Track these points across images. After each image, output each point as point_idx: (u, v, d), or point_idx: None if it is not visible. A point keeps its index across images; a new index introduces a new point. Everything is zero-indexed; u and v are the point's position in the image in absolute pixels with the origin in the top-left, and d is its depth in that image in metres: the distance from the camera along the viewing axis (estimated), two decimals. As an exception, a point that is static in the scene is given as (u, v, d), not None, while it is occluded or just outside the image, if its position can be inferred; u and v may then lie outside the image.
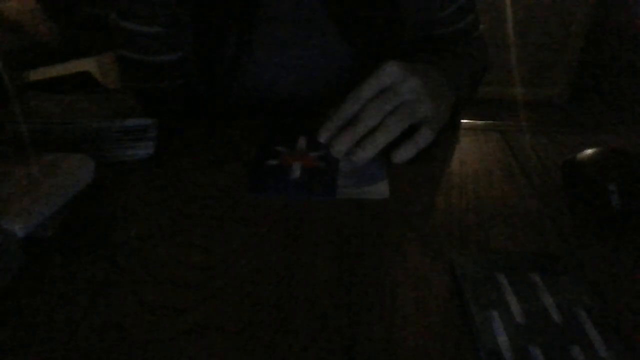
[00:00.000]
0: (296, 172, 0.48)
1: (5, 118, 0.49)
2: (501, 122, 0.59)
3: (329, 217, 0.42)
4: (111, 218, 0.42)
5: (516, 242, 0.40)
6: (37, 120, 0.49)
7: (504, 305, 0.33)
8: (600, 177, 0.43)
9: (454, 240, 0.40)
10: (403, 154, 0.47)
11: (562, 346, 0.30)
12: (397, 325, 0.32)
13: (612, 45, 2.26)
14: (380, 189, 0.46)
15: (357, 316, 0.33)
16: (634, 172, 0.42)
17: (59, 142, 0.48)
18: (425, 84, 0.48)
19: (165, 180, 0.47)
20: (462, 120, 0.60)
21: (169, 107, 0.64)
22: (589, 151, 0.45)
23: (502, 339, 0.31)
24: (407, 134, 0.47)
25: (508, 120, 0.60)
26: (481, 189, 0.46)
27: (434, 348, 0.31)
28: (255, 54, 0.62)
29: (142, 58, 0.59)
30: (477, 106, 0.68)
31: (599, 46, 2.33)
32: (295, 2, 0.60)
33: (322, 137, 0.47)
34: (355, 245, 0.39)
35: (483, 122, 0.59)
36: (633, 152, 0.44)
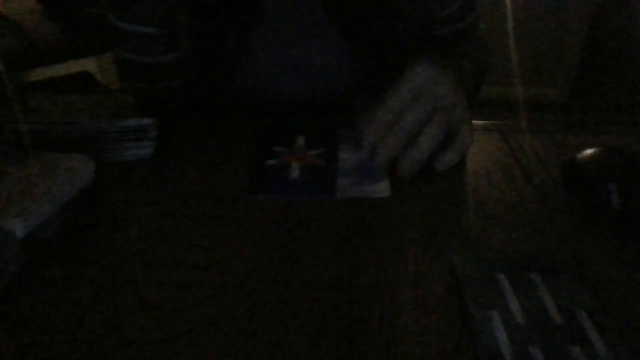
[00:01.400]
0: (295, 171, 0.48)
1: (5, 118, 0.49)
2: (501, 122, 0.59)
3: (329, 217, 0.42)
4: (111, 218, 0.42)
5: (516, 242, 0.40)
6: (37, 120, 0.49)
7: (504, 305, 0.33)
8: (600, 177, 0.43)
9: (454, 240, 0.40)
10: (446, 160, 0.46)
11: (562, 346, 0.30)
12: (397, 326, 0.32)
13: (612, 45, 2.26)
14: (381, 188, 0.46)
15: (357, 316, 0.33)
16: (634, 172, 0.42)
17: (59, 142, 0.48)
18: (452, 87, 0.47)
19: (165, 180, 0.47)
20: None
21: (168, 107, 0.64)
22: (589, 151, 0.45)
23: (502, 339, 0.31)
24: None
25: (508, 120, 0.60)
26: (481, 189, 0.46)
27: (434, 348, 0.31)
28: (254, 54, 0.62)
29: (140, 59, 0.58)
30: (477, 106, 0.68)
31: (599, 46, 2.33)
32: (294, 2, 0.60)
33: (368, 140, 0.46)
34: (355, 245, 0.39)
35: (483, 122, 0.59)
36: (633, 152, 0.44)
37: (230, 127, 0.57)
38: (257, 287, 0.35)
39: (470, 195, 0.45)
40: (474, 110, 0.60)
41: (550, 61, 2.43)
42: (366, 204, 0.44)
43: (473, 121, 0.49)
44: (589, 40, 2.34)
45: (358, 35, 0.61)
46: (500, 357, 0.30)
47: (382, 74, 0.65)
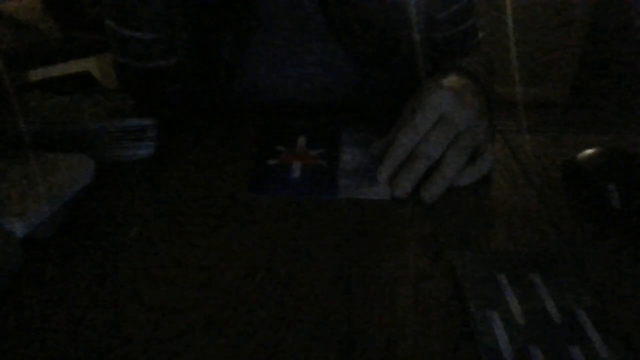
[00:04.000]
0: (296, 171, 0.48)
1: (5, 118, 0.49)
2: (501, 122, 0.59)
3: (329, 217, 0.42)
4: (111, 218, 0.42)
5: (516, 242, 0.40)
6: (37, 120, 0.49)
7: (504, 305, 0.33)
8: (600, 177, 0.43)
9: (454, 240, 0.40)
10: (466, 180, 0.46)
11: (562, 346, 0.30)
12: (397, 325, 0.32)
13: (612, 45, 2.26)
14: (382, 190, 0.46)
15: (357, 316, 0.33)
16: (634, 172, 0.42)
17: (59, 142, 0.48)
18: (476, 109, 0.47)
19: (165, 180, 0.47)
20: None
21: (168, 109, 0.64)
22: (589, 151, 0.45)
23: (502, 339, 0.31)
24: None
25: (508, 120, 0.60)
26: (481, 189, 0.46)
27: (434, 348, 0.31)
28: (252, 61, 0.62)
29: (139, 64, 0.58)
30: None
31: (599, 46, 2.33)
32: (291, 9, 0.60)
33: (383, 176, 0.46)
34: (355, 245, 0.39)
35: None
36: (633, 152, 0.44)
37: (231, 127, 0.57)
38: (257, 287, 0.35)
39: (470, 195, 0.45)
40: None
41: (550, 61, 2.43)
42: (366, 204, 0.44)
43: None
44: (589, 40, 2.34)
45: (356, 41, 0.61)
46: (500, 357, 0.30)
47: (381, 80, 0.65)
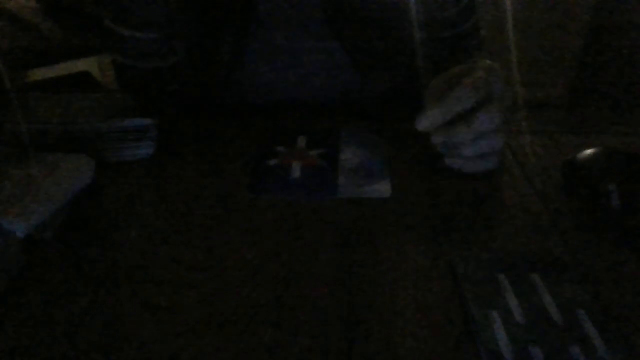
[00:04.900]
0: (296, 171, 0.48)
1: (5, 118, 0.49)
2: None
3: (329, 217, 0.42)
4: (111, 218, 0.42)
5: (516, 242, 0.40)
6: (37, 120, 0.49)
7: (504, 305, 0.33)
8: (600, 177, 0.43)
9: (454, 240, 0.40)
10: (473, 163, 0.46)
11: (562, 346, 0.30)
12: (397, 325, 0.32)
13: (612, 45, 2.26)
14: (382, 188, 0.46)
15: (357, 316, 0.33)
16: (634, 172, 0.42)
17: (59, 142, 0.48)
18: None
19: (165, 180, 0.47)
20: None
21: (167, 109, 0.64)
22: (589, 151, 0.45)
23: (502, 339, 0.31)
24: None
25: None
26: (481, 189, 0.46)
27: (434, 348, 0.31)
28: (253, 60, 0.61)
29: (138, 64, 0.58)
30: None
31: (599, 46, 2.33)
32: (291, 7, 0.60)
33: (422, 125, 0.45)
34: (355, 245, 0.39)
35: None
36: (633, 152, 0.44)
37: (231, 127, 0.57)
38: (257, 287, 0.35)
39: (470, 195, 0.45)
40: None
41: (550, 61, 2.43)
42: (366, 204, 0.44)
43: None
44: (589, 40, 2.34)
45: (355, 40, 0.61)
46: (500, 357, 0.30)
47: (381, 80, 0.65)
